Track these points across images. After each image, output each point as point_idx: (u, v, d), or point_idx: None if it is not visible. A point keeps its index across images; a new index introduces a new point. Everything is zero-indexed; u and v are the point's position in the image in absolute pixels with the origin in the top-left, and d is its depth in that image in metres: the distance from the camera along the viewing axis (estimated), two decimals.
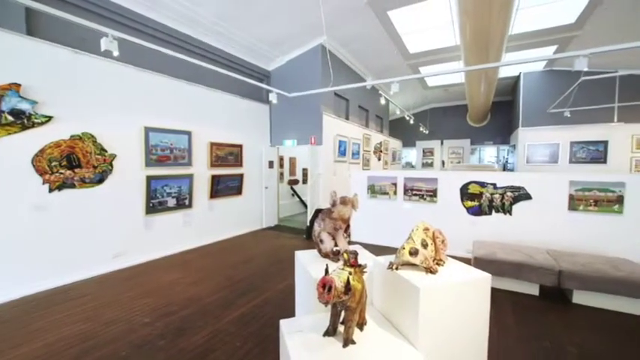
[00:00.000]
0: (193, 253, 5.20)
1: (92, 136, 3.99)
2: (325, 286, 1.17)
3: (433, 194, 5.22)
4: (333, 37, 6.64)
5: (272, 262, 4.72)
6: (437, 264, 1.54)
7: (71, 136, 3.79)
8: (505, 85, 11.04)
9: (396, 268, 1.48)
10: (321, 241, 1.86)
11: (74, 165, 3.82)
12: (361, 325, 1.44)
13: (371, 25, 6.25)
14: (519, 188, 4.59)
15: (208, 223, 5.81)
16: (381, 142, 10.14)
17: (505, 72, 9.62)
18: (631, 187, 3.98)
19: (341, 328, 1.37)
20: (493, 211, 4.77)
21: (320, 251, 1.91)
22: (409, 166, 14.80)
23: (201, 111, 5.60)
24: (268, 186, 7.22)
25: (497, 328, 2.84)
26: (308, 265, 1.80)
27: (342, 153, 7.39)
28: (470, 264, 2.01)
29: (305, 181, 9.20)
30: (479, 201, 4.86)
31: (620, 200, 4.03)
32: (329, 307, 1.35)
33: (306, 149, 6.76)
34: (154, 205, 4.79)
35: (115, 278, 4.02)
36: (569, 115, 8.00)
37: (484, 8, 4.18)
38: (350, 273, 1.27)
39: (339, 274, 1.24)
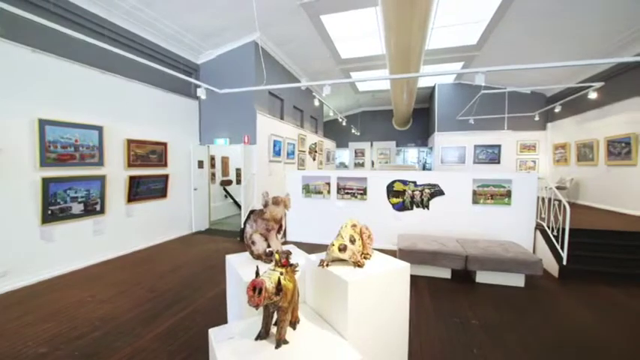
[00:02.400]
0: (108, 265, 4.56)
1: None
2: (255, 288, 1.15)
3: (363, 192, 5.56)
4: (267, 35, 6.54)
5: (203, 268, 4.43)
6: (364, 258, 1.64)
7: None
8: (424, 94, 12.37)
9: (327, 265, 1.53)
10: (253, 242, 1.82)
11: None
12: (294, 324, 1.46)
13: (305, 27, 6.34)
14: (435, 185, 5.20)
15: (126, 230, 5.16)
16: (315, 143, 10.36)
17: (423, 82, 10.78)
18: (516, 183, 4.87)
19: (274, 330, 1.37)
20: (414, 207, 5.31)
21: (252, 253, 1.86)
22: (343, 166, 15.47)
23: (116, 104, 4.93)
24: (198, 187, 6.76)
25: (417, 309, 3.17)
26: (239, 269, 1.74)
27: (277, 153, 7.34)
28: (395, 255, 2.21)
29: (239, 182, 8.85)
30: (402, 198, 5.35)
31: (509, 194, 4.89)
32: (261, 310, 1.33)
33: (239, 148, 6.52)
34: (54, 213, 4.05)
35: (0, 303, 3.28)
36: (473, 122, 9.39)
37: (405, 24, 4.61)
38: (281, 273, 1.27)
39: (270, 275, 1.23)
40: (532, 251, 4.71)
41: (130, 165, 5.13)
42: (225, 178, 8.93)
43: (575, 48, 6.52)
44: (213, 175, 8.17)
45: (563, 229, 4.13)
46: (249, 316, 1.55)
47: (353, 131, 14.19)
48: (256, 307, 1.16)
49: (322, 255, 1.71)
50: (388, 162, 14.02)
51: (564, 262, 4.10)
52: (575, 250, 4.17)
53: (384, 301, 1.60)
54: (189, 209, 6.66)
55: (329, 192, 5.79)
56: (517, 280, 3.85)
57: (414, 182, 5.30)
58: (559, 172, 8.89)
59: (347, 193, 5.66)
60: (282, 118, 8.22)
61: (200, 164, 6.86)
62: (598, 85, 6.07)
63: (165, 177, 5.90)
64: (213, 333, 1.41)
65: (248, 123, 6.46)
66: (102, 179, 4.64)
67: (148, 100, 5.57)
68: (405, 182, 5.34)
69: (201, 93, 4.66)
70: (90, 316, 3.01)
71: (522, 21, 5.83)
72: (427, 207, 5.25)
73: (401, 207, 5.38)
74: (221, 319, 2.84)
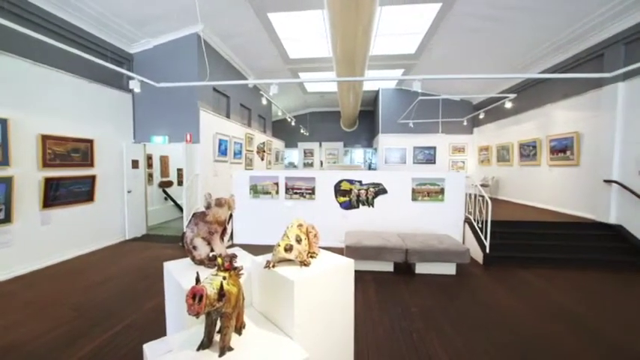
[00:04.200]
0: (17, 282, 3.88)
1: None
2: (195, 296, 1.08)
3: (312, 192, 5.63)
4: (211, 28, 6.22)
5: (138, 279, 4.04)
6: (310, 257, 1.67)
7: None
8: (369, 98, 12.97)
9: (273, 266, 1.52)
10: (195, 247, 1.71)
11: None
12: (239, 329, 1.41)
13: (251, 23, 6.17)
14: (379, 184, 5.50)
15: (42, 240, 4.46)
16: (264, 142, 10.17)
17: (368, 86, 11.30)
18: (448, 181, 5.39)
19: (218, 338, 1.31)
20: (360, 205, 5.55)
21: (194, 259, 1.76)
22: (292, 165, 15.46)
23: (26, 93, 4.24)
24: (132, 189, 6.14)
25: (363, 303, 3.31)
26: (179, 276, 1.63)
27: (223, 152, 7.03)
28: (343, 253, 2.29)
29: (181, 183, 8.28)
30: (349, 196, 5.55)
31: (442, 191, 5.39)
32: (204, 318, 1.26)
33: (180, 147, 6.09)
34: None
35: None
36: (412, 126, 10.13)
37: (350, 29, 4.78)
38: (224, 278, 1.22)
39: (212, 281, 1.18)
40: (462, 242, 5.26)
41: (45, 165, 4.45)
42: (164, 179, 8.28)
43: (495, 63, 7.46)
44: (150, 175, 7.53)
45: (486, 222, 4.70)
46: (191, 326, 1.46)
47: (302, 131, 14.28)
48: (196, 315, 1.10)
49: (269, 256, 1.69)
50: (336, 162, 14.41)
51: (487, 250, 4.66)
52: (495, 239, 4.77)
53: (330, 298, 1.64)
54: (122, 214, 6.01)
55: (277, 192, 5.73)
56: (449, 269, 4.27)
57: (360, 181, 5.53)
58: (483, 172, 10.08)
59: (295, 193, 5.67)
60: (228, 116, 7.89)
61: (135, 164, 6.24)
62: (512, 96, 7.03)
63: (92, 178, 5.25)
64: (149, 348, 1.30)
65: (190, 120, 6.07)
66: (7, 182, 3.94)
67: (70, 90, 4.90)
68: (351, 181, 5.55)
69: (134, 85, 4.25)
70: None
71: (452, 36, 6.47)
72: (372, 205, 5.52)
73: (348, 205, 5.57)
74: (160, 332, 2.62)
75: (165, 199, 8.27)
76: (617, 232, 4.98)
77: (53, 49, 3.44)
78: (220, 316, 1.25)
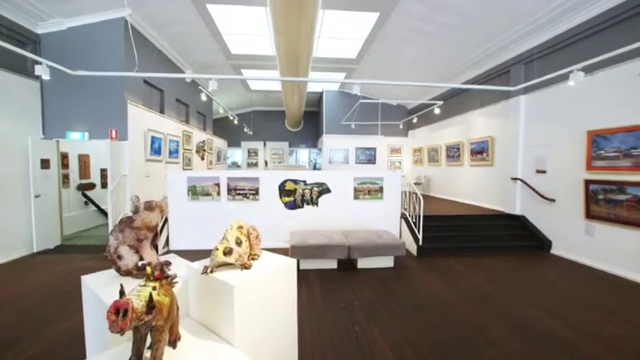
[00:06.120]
0: None
1: None
2: (119, 310, 0.97)
3: (256, 193, 5.50)
4: (141, 14, 5.63)
5: (50, 297, 3.47)
6: (252, 259, 1.62)
7: None
8: (313, 99, 13.15)
9: (211, 271, 1.44)
10: (120, 257, 1.54)
11: None
12: (174, 343, 1.31)
13: (188, 13, 5.75)
14: (323, 184, 5.62)
15: None
16: (204, 141, 9.60)
17: (313, 87, 11.44)
18: (386, 180, 5.77)
19: (148, 354, 1.19)
20: (305, 204, 5.60)
21: (119, 269, 1.58)
22: (235, 165, 14.89)
23: None
24: (41, 193, 5.25)
25: (308, 301, 3.36)
26: (100, 290, 1.45)
27: (157, 151, 6.43)
28: (288, 253, 2.29)
29: (105, 185, 7.35)
30: (294, 196, 5.57)
31: (381, 190, 5.73)
32: (131, 334, 1.14)
33: (104, 145, 5.40)
34: None
35: None
36: (354, 127, 10.58)
37: (293, 30, 4.78)
38: (154, 288, 1.12)
39: (140, 292, 1.07)
40: (399, 236, 5.67)
41: None
42: (84, 181, 7.27)
43: (425, 72, 8.19)
44: (66, 177, 6.54)
45: (419, 216, 5.14)
46: (116, 344, 1.31)
47: (246, 130, 13.84)
48: (121, 332, 0.98)
49: (207, 261, 1.60)
50: (282, 162, 14.30)
51: (420, 243, 5.10)
52: (427, 232, 5.25)
53: (272, 299, 1.62)
54: (29, 222, 5.11)
55: (219, 193, 5.46)
56: (388, 262, 4.57)
57: (305, 181, 5.59)
58: (417, 171, 11.01)
59: (238, 194, 5.48)
60: (162, 111, 7.25)
61: (45, 164, 5.34)
62: (439, 103, 7.81)
63: None
64: None
65: (116, 115, 5.42)
66: None
67: None
68: (296, 181, 5.56)
69: (41, 72, 3.65)
70: None
71: (389, 44, 6.91)
72: (316, 204, 5.62)
73: (292, 205, 5.58)
74: (78, 357, 2.31)
75: (86, 203, 7.26)
76: (520, 221, 5.89)
77: None
78: (150, 330, 1.14)
